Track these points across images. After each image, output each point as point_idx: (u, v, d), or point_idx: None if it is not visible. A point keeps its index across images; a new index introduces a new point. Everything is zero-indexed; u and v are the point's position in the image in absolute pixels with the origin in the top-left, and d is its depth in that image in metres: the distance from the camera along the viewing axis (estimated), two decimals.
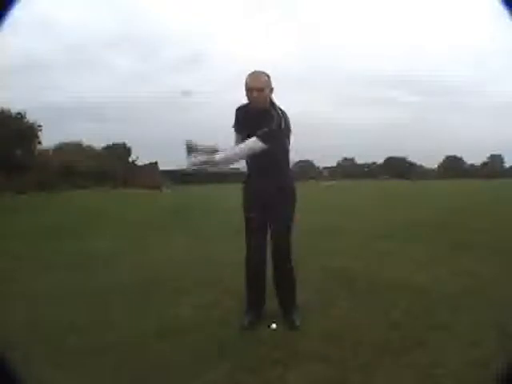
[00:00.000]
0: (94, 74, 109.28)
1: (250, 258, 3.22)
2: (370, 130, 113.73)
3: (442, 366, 2.47)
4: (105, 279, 4.54)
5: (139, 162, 43.21)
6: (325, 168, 79.24)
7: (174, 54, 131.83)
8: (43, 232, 8.24)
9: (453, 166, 76.99)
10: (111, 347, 2.80)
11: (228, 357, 2.65)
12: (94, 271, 4.95)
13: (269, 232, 3.20)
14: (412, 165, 79.82)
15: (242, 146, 3.02)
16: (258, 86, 2.99)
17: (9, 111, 26.84)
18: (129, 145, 44.58)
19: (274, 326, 3.08)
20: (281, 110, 3.08)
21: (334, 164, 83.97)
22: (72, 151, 33.47)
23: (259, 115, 3.03)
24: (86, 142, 38.95)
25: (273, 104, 3.07)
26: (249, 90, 3.02)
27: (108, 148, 42.47)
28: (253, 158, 3.14)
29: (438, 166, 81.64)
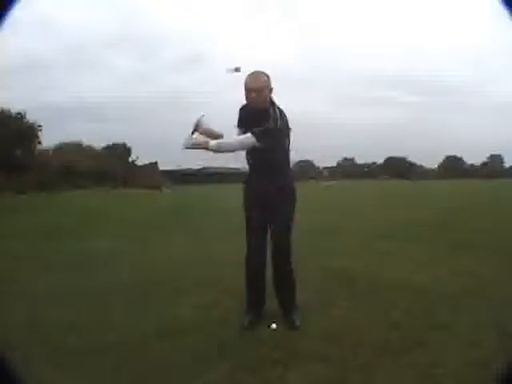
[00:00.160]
0: (94, 73, 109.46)
1: (249, 258, 3.22)
2: (370, 130, 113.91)
3: (441, 366, 2.47)
4: (105, 279, 4.54)
5: (139, 162, 43.25)
6: (325, 168, 79.30)
7: (174, 54, 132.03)
8: (43, 232, 8.24)
9: (453, 166, 77.02)
10: (111, 347, 2.80)
11: (228, 357, 2.65)
12: (93, 271, 4.95)
13: (269, 232, 3.20)
14: (412, 165, 79.87)
15: (237, 138, 3.09)
16: (256, 88, 3.00)
17: (9, 111, 26.84)
18: (129, 145, 44.62)
19: (274, 325, 3.08)
20: (279, 109, 3.08)
21: (334, 164, 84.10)
22: (72, 151, 33.46)
23: (257, 115, 3.03)
24: (86, 141, 38.99)
25: (272, 104, 3.07)
26: (247, 90, 3.03)
27: (108, 148, 42.46)
28: (253, 158, 3.15)
29: (438, 166, 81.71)
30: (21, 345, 2.77)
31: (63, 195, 20.76)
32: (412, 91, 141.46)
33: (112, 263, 5.36)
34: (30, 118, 27.92)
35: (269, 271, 3.26)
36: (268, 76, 3.07)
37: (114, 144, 43.74)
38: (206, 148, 3.04)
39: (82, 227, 9.06)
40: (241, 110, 3.25)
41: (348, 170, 78.72)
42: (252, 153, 3.13)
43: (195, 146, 3.07)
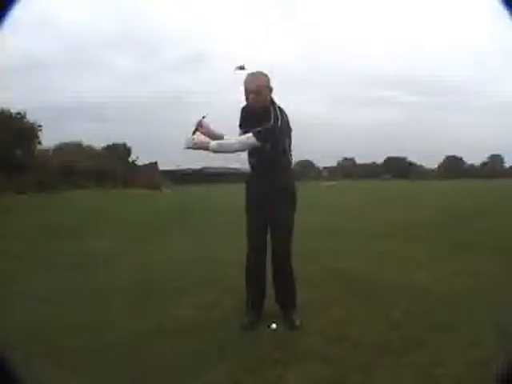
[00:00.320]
0: (94, 73, 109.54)
1: (250, 258, 3.22)
2: (370, 130, 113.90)
3: (441, 366, 2.47)
4: (105, 279, 4.54)
5: (139, 162, 43.18)
6: (325, 168, 79.28)
7: (174, 54, 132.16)
8: (43, 232, 8.24)
9: (453, 166, 76.98)
10: (111, 347, 2.80)
11: (228, 357, 2.65)
12: (93, 271, 4.95)
13: (269, 232, 3.20)
14: (412, 165, 79.87)
15: (238, 139, 3.08)
16: (255, 88, 2.99)
17: (9, 111, 26.79)
18: (129, 145, 44.56)
19: (274, 325, 3.08)
20: (280, 109, 3.07)
21: (334, 164, 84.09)
22: (72, 151, 33.42)
23: (257, 115, 3.03)
24: (86, 141, 38.91)
25: (273, 103, 3.07)
26: (246, 91, 3.02)
27: (108, 148, 42.41)
28: (254, 158, 3.14)
29: (438, 166, 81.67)
30: (21, 345, 2.77)
31: (63, 195, 20.75)
32: (412, 91, 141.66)
33: (112, 263, 5.36)
34: (30, 117, 27.88)
35: (269, 271, 3.26)
36: (267, 76, 3.06)
37: (113, 144, 43.68)
38: (207, 148, 3.04)
39: (82, 227, 9.05)
40: (242, 110, 3.25)
41: (348, 169, 78.71)
42: (253, 153, 3.12)
43: (196, 147, 3.07)
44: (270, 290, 3.29)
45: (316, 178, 56.12)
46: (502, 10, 1.54)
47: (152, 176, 36.40)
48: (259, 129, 2.96)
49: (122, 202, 16.58)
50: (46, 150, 30.63)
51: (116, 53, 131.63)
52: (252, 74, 3.04)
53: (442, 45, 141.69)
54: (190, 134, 3.11)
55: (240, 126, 3.24)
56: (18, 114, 27.18)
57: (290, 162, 3.25)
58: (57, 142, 35.34)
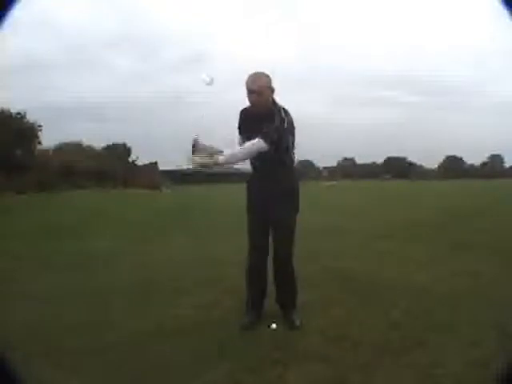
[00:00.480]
0: (94, 73, 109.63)
1: (251, 258, 3.21)
2: (370, 129, 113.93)
3: (441, 366, 2.47)
4: (105, 279, 4.54)
5: (139, 162, 43.20)
6: (325, 168, 79.29)
7: (174, 54, 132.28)
8: (43, 232, 8.24)
9: (453, 166, 76.99)
10: (111, 347, 2.80)
11: (228, 357, 2.65)
12: (93, 271, 4.95)
13: (271, 233, 3.19)
14: (412, 165, 79.90)
15: (245, 146, 3.00)
16: (256, 89, 2.98)
17: (9, 111, 26.80)
18: (129, 145, 44.57)
19: (274, 326, 3.08)
20: (284, 108, 3.06)
21: (334, 164, 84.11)
22: (72, 151, 33.42)
23: (260, 116, 3.02)
24: (86, 141, 38.94)
25: (275, 104, 3.06)
26: (248, 92, 3.01)
27: (108, 148, 42.42)
28: (256, 158, 3.12)
29: (438, 166, 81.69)
30: (21, 345, 2.77)
31: (63, 195, 20.75)
32: (412, 91, 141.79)
33: (112, 263, 5.36)
34: (30, 117, 27.89)
35: (270, 271, 3.26)
36: (269, 76, 3.05)
37: (113, 144, 43.71)
38: (216, 163, 2.98)
39: (82, 227, 9.05)
40: (240, 112, 3.21)
41: (348, 169, 78.73)
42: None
43: (205, 166, 3.02)
44: (270, 290, 3.28)
45: (316, 178, 56.09)
46: (502, 10, 1.54)
47: (152, 176, 36.40)
48: (265, 130, 2.94)
49: (122, 202, 16.58)
50: (46, 150, 30.62)
51: (116, 53, 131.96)
52: (253, 74, 3.03)
53: (441, 45, 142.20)
54: (189, 156, 3.04)
55: (239, 128, 3.21)
56: (18, 113, 27.17)
57: (292, 161, 3.22)
58: (57, 142, 35.36)
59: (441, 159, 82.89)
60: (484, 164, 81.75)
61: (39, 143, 28.87)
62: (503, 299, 3.59)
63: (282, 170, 3.13)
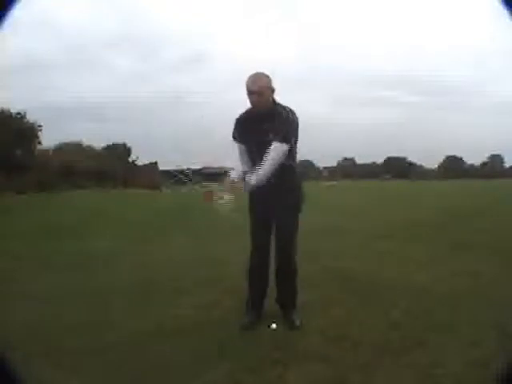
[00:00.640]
0: (94, 73, 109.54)
1: (253, 258, 3.20)
2: (370, 129, 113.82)
3: (441, 366, 2.47)
4: (105, 279, 4.54)
5: (139, 162, 43.21)
6: (325, 168, 79.26)
7: (174, 54, 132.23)
8: (43, 232, 8.24)
9: (453, 166, 76.94)
10: (111, 347, 2.80)
11: (228, 357, 2.65)
12: (93, 271, 4.95)
13: (273, 233, 3.18)
14: (412, 165, 79.84)
15: (270, 157, 2.95)
16: (256, 90, 2.97)
17: (9, 111, 26.81)
18: (129, 145, 44.57)
19: (274, 326, 3.08)
20: (290, 110, 3.06)
21: (334, 164, 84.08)
22: (72, 151, 33.43)
23: (263, 117, 3.02)
24: (86, 141, 38.94)
25: (275, 104, 3.05)
26: (249, 93, 3.01)
27: (108, 148, 42.42)
28: (257, 157, 3.11)
29: (438, 166, 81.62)
30: (21, 345, 2.77)
31: (63, 195, 20.74)
32: (412, 91, 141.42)
33: (112, 263, 5.36)
34: (30, 117, 27.90)
35: (270, 271, 3.26)
36: (269, 77, 3.04)
37: (113, 144, 43.71)
38: (250, 187, 2.98)
39: (82, 227, 9.05)
40: (237, 120, 3.16)
41: (348, 169, 78.70)
42: (257, 152, 3.07)
43: (234, 191, 2.99)
44: (270, 290, 3.28)
45: (316, 178, 56.05)
46: (502, 10, 1.54)
47: (152, 176, 36.41)
48: (279, 131, 2.94)
49: (122, 202, 16.58)
50: (46, 150, 30.63)
51: (116, 53, 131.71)
52: (253, 75, 3.02)
53: (441, 45, 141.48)
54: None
55: (238, 138, 3.14)
56: (18, 114, 27.19)
57: (294, 161, 3.21)
58: (57, 142, 35.36)
59: (441, 159, 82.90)
60: (484, 164, 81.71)
61: (39, 143, 28.89)
62: (503, 299, 3.59)
63: (283, 169, 3.10)
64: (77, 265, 5.28)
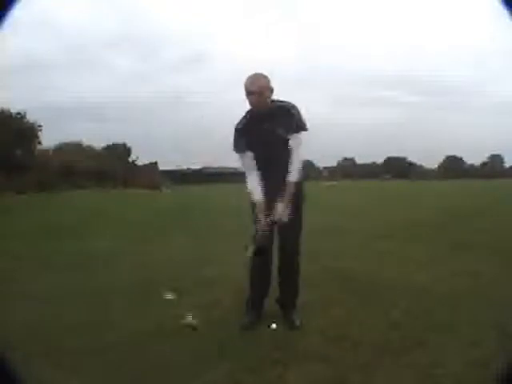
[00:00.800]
0: (94, 73, 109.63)
1: (255, 257, 3.19)
2: (370, 129, 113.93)
3: (441, 366, 2.47)
4: (105, 279, 4.54)
5: (139, 162, 43.22)
6: (325, 168, 79.20)
7: (174, 54, 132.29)
8: (43, 232, 8.24)
9: (453, 166, 76.90)
10: (111, 347, 2.80)
11: (228, 357, 2.65)
12: (94, 271, 4.95)
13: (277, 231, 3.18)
14: (412, 165, 79.81)
15: (297, 153, 3.03)
16: (256, 90, 2.97)
17: (9, 111, 26.81)
18: (129, 145, 44.58)
19: (274, 326, 3.08)
20: (283, 101, 3.08)
21: (334, 164, 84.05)
22: (72, 151, 33.43)
23: (266, 117, 3.02)
24: (86, 141, 38.95)
25: (273, 101, 3.06)
26: (248, 93, 3.01)
27: (108, 148, 42.42)
28: (258, 156, 3.12)
29: (438, 166, 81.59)
30: (21, 345, 2.77)
31: (63, 195, 20.74)
32: (412, 91, 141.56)
33: (112, 263, 5.36)
34: (30, 117, 27.90)
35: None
36: (267, 77, 3.05)
37: (113, 144, 43.71)
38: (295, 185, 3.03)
39: (82, 227, 9.05)
40: (238, 130, 3.11)
41: (348, 169, 78.66)
42: (268, 154, 3.07)
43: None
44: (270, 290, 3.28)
45: (316, 178, 56.02)
46: (502, 10, 1.54)
47: (152, 176, 36.41)
48: (288, 122, 2.98)
49: (122, 202, 16.58)
50: (46, 150, 30.63)
51: (116, 53, 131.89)
52: (252, 76, 3.02)
53: (441, 45, 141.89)
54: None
55: (244, 147, 3.08)
56: (18, 114, 27.19)
57: None
58: (57, 142, 35.38)
59: (441, 159, 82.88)
60: (484, 164, 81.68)
61: (39, 143, 28.89)
62: (503, 299, 3.58)
63: (285, 167, 3.10)
64: (77, 265, 5.28)
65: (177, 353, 2.72)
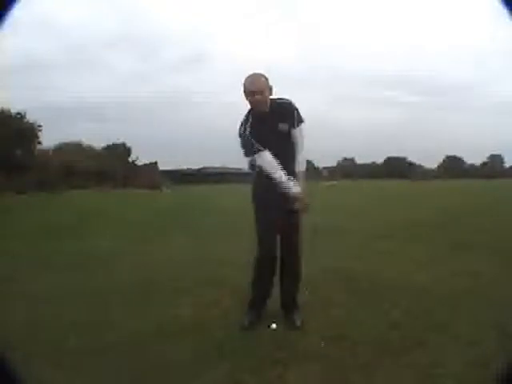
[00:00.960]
0: (94, 73, 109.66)
1: (259, 258, 3.20)
2: (370, 130, 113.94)
3: (441, 366, 2.47)
4: (105, 279, 4.54)
5: (139, 162, 43.27)
6: (325, 168, 79.19)
7: (174, 54, 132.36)
8: (43, 232, 8.24)
9: (453, 166, 76.95)
10: (111, 347, 2.80)
11: (228, 357, 2.65)
12: (93, 271, 4.95)
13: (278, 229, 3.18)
14: (412, 165, 79.82)
15: (299, 142, 3.16)
16: (257, 90, 2.98)
17: (9, 111, 26.85)
18: (129, 145, 44.60)
19: (274, 325, 3.08)
20: (280, 98, 3.12)
21: (334, 164, 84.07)
22: (72, 151, 33.47)
23: (267, 115, 3.04)
24: (86, 141, 39.06)
25: (272, 99, 3.08)
26: (249, 93, 3.01)
27: (108, 148, 42.45)
28: (277, 153, 3.11)
29: (438, 166, 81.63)
30: (21, 345, 2.77)
31: (63, 195, 20.76)
32: (412, 91, 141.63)
33: (112, 263, 5.36)
34: (30, 118, 27.96)
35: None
36: (265, 77, 3.06)
37: (113, 144, 43.73)
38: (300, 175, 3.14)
39: (82, 227, 9.05)
40: (242, 135, 3.07)
41: (348, 169, 78.68)
42: (276, 149, 3.06)
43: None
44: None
45: (316, 178, 56.01)
46: (502, 10, 1.54)
47: (152, 176, 36.43)
48: (287, 117, 3.06)
49: (122, 202, 16.59)
50: (46, 150, 30.69)
51: (116, 53, 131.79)
52: (251, 76, 3.03)
53: (441, 45, 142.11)
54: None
55: (254, 151, 3.04)
56: (18, 114, 27.24)
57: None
58: (57, 142, 35.46)
59: (441, 159, 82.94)
60: (484, 164, 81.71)
61: (39, 143, 28.96)
62: (503, 299, 3.59)
63: (292, 161, 3.13)
64: (77, 265, 5.28)
65: (177, 353, 2.72)
